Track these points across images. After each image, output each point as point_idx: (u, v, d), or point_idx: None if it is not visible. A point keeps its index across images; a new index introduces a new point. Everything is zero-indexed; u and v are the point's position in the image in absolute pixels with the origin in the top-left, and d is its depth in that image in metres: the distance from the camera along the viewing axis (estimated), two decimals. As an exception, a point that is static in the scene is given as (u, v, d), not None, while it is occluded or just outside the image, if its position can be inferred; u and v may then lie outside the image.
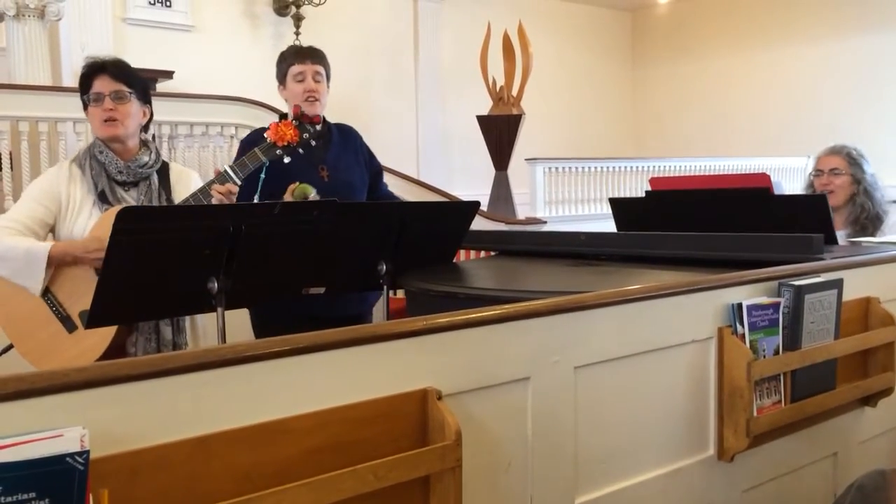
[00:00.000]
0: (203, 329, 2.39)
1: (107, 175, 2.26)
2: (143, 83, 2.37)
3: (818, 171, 3.02)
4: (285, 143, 2.31)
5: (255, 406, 1.09)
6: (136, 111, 2.31)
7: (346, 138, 2.84)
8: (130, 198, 2.27)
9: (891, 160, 8.24)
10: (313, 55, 2.75)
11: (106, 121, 2.25)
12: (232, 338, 2.03)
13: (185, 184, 2.39)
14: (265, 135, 2.36)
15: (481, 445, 1.32)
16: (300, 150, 2.36)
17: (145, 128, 2.39)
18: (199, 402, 1.06)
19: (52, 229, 2.26)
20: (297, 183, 2.49)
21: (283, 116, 2.73)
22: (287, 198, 2.48)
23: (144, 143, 2.36)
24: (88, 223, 2.21)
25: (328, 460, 1.13)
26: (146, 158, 2.31)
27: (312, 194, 2.45)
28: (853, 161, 2.96)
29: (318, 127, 2.43)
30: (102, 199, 2.23)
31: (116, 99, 2.25)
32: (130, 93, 2.29)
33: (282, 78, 2.77)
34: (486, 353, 1.34)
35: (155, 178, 2.32)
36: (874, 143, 8.63)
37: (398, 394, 1.22)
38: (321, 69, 2.74)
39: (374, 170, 2.91)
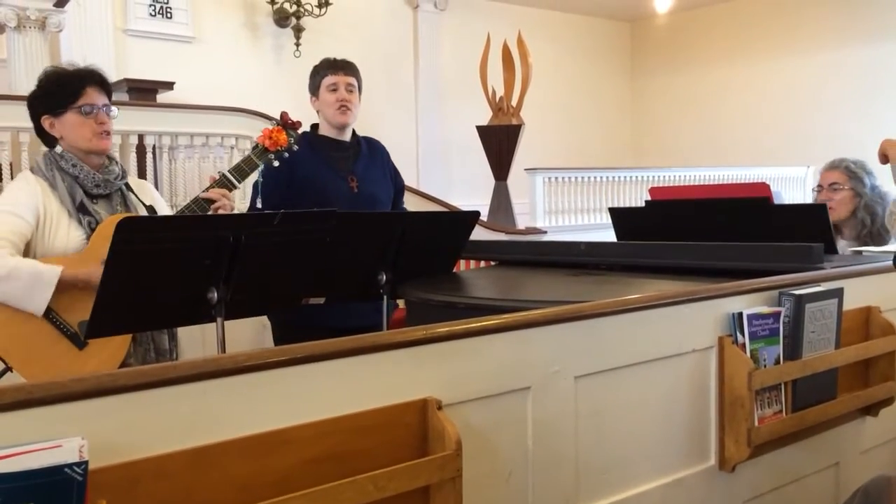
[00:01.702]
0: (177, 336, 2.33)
1: (81, 188, 2.18)
2: None
3: (819, 187, 2.98)
4: (277, 148, 2.33)
5: (254, 416, 1.09)
6: None
7: (373, 151, 2.93)
8: (102, 210, 2.20)
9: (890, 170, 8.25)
10: (346, 67, 2.85)
11: (100, 134, 2.19)
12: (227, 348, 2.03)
13: (148, 193, 2.38)
14: (256, 140, 2.38)
15: (481, 455, 1.32)
16: (286, 155, 2.38)
17: None
18: (199, 413, 1.05)
19: (27, 243, 2.13)
20: None
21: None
22: None
23: (108, 156, 2.30)
24: (69, 237, 2.13)
25: (328, 470, 1.13)
26: (116, 169, 2.27)
27: None
28: (852, 174, 2.89)
29: (297, 132, 2.45)
30: (82, 211, 2.15)
31: (107, 112, 2.22)
32: (115, 106, 2.27)
33: (315, 89, 2.86)
34: (486, 362, 1.33)
35: (124, 188, 2.28)
36: (874, 153, 8.68)
37: (398, 403, 1.22)
38: (353, 81, 2.85)
39: (398, 186, 3.00)
